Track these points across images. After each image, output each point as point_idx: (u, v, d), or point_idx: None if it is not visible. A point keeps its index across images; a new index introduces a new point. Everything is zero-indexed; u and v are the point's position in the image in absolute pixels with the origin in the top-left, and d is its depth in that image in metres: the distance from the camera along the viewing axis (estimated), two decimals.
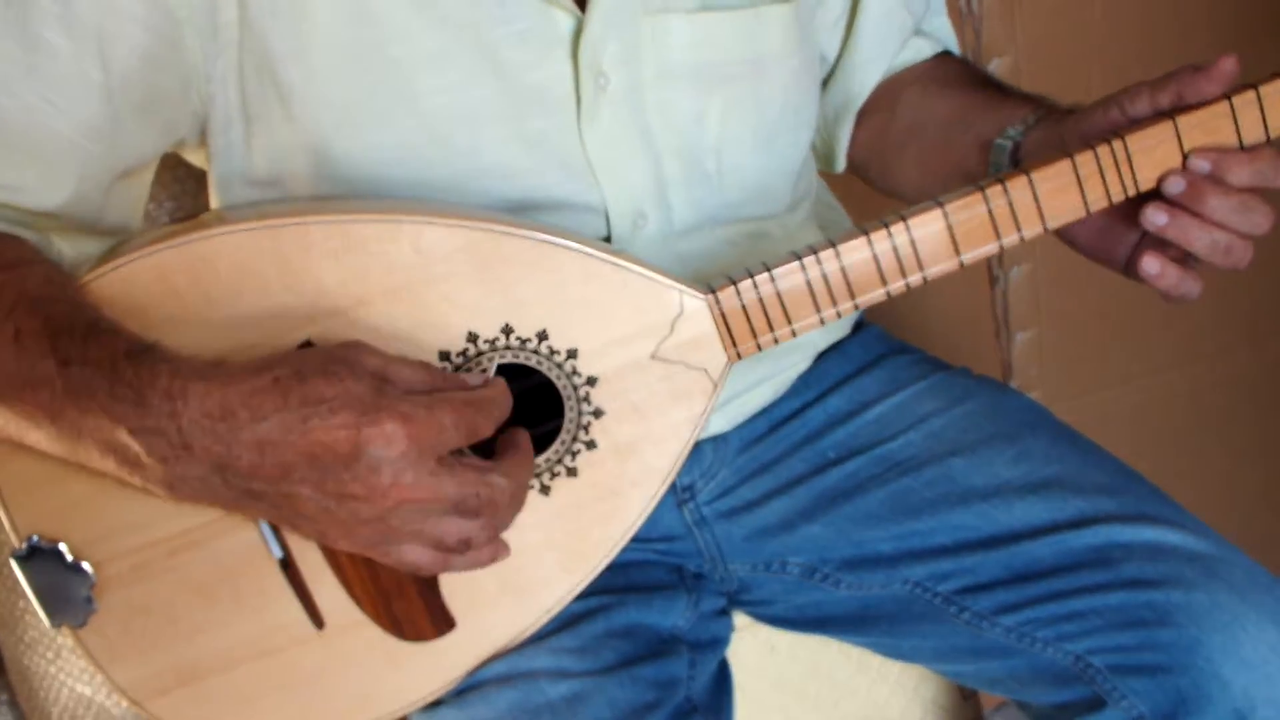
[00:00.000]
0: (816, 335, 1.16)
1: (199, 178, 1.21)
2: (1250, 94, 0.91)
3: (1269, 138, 0.91)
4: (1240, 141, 0.91)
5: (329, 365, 0.80)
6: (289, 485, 0.79)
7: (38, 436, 0.83)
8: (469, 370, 0.91)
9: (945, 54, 1.25)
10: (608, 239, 1.01)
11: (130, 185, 0.99)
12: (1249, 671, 0.94)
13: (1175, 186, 0.91)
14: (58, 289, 0.86)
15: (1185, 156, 0.92)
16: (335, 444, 0.78)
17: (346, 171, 0.95)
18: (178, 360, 0.81)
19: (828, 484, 1.12)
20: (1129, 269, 0.99)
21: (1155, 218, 0.92)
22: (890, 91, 1.21)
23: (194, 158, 1.05)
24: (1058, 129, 1.00)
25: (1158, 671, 0.97)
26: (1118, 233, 1.00)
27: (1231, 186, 0.91)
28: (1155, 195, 0.93)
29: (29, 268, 0.88)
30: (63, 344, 0.81)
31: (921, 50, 1.23)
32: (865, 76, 1.19)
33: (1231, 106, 0.90)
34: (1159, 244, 0.95)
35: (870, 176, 1.26)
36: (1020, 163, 1.03)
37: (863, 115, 1.22)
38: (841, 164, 1.24)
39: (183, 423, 0.78)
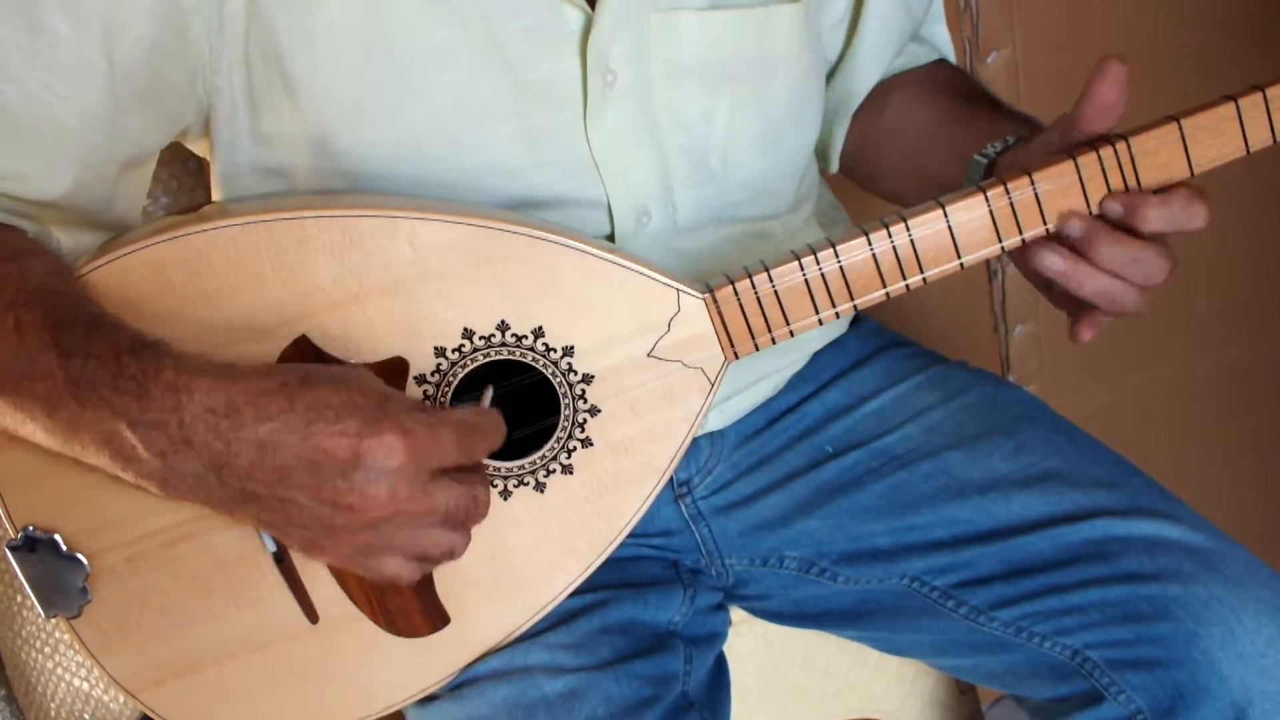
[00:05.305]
0: (815, 334, 1.16)
1: (196, 175, 1.21)
2: (1257, 96, 0.89)
3: (1276, 140, 0.90)
4: (1246, 145, 0.90)
5: (336, 376, 0.81)
6: (285, 489, 0.79)
7: (33, 429, 0.83)
8: (463, 367, 0.91)
9: (940, 62, 1.24)
10: (611, 236, 1.01)
11: (133, 178, 0.98)
12: (1246, 665, 0.94)
13: (1075, 229, 0.91)
14: (60, 282, 0.86)
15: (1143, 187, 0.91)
16: (336, 450, 0.78)
17: (350, 165, 0.95)
18: (184, 356, 0.80)
19: (825, 478, 1.12)
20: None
21: (1053, 263, 0.91)
22: (880, 94, 1.20)
23: (196, 147, 1.04)
24: (1027, 152, 0.99)
25: (1155, 666, 0.97)
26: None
27: (1141, 232, 0.90)
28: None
29: (30, 259, 0.88)
30: (64, 337, 0.81)
31: (917, 56, 1.23)
32: (864, 78, 1.18)
33: (1238, 108, 0.89)
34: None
35: (852, 174, 1.26)
36: None
37: (853, 117, 1.22)
38: (835, 164, 1.24)
39: (185, 416, 0.78)
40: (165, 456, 0.79)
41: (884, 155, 1.19)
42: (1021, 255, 0.96)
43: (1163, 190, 0.91)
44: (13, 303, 0.83)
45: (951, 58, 1.25)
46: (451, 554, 0.85)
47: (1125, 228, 0.91)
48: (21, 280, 0.85)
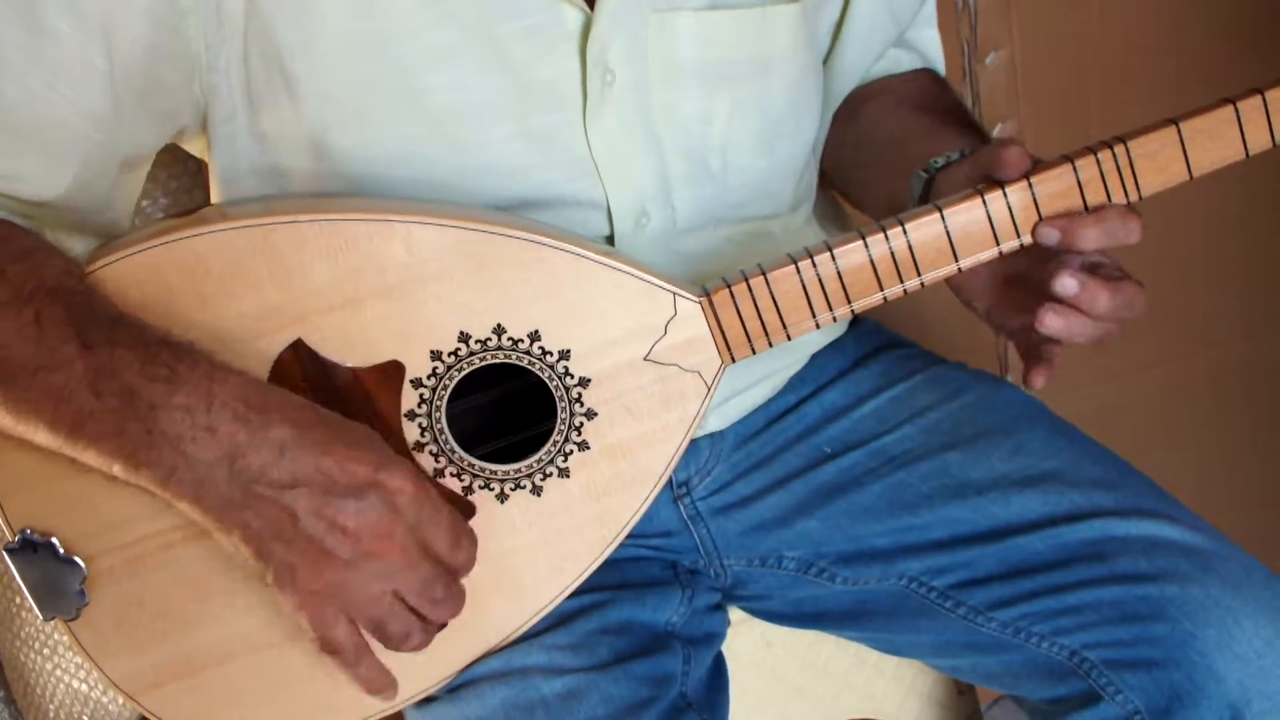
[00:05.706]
0: (814, 335, 1.16)
1: (195, 175, 1.21)
2: (1256, 99, 0.89)
3: (1275, 144, 0.90)
4: (1245, 149, 0.90)
5: (355, 425, 0.86)
6: (290, 497, 0.81)
7: (35, 424, 0.83)
8: (460, 370, 0.91)
9: (920, 71, 1.24)
10: (610, 237, 1.00)
11: (128, 180, 0.98)
12: (1244, 666, 0.94)
13: (1069, 289, 0.90)
14: (75, 280, 0.87)
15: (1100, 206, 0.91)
16: (351, 472, 0.81)
17: (348, 166, 0.95)
18: (215, 356, 0.84)
19: (824, 479, 1.12)
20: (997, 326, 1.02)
21: (1053, 323, 0.91)
22: (856, 103, 1.20)
23: (192, 147, 1.04)
24: (959, 172, 0.98)
25: (1153, 666, 0.97)
26: (1010, 302, 1.00)
27: (1082, 253, 0.91)
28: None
29: (44, 257, 0.88)
30: (87, 329, 0.82)
31: (899, 63, 1.23)
32: (844, 81, 1.18)
33: (1237, 112, 0.89)
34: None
35: (833, 185, 1.26)
36: (931, 197, 1.01)
37: (831, 122, 1.21)
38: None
39: (215, 403, 0.81)
40: (182, 442, 0.81)
41: (854, 168, 1.19)
42: (1002, 308, 1.00)
43: (1094, 209, 0.91)
44: (32, 297, 0.84)
45: (939, 64, 1.24)
46: (407, 638, 0.87)
47: (1063, 251, 0.91)
48: (39, 278, 0.85)
